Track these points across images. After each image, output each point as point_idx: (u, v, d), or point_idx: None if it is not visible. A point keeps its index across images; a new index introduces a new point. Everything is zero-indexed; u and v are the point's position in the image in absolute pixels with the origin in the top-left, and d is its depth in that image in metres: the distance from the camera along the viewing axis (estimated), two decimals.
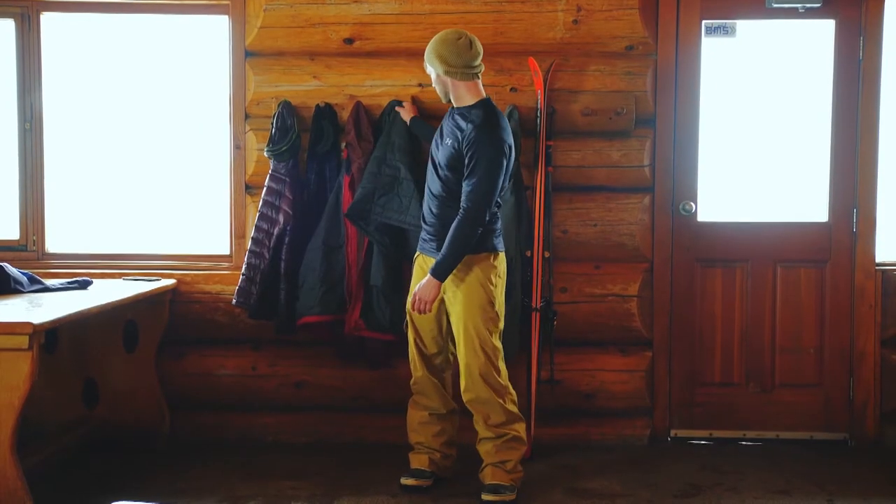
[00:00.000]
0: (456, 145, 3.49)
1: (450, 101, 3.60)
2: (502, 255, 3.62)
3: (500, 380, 3.56)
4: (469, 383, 3.56)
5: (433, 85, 3.62)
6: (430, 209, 3.61)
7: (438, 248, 3.52)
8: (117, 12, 4.39)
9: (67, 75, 4.46)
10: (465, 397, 3.59)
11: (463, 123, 3.51)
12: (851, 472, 3.98)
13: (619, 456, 4.16)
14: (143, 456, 4.08)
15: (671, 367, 4.35)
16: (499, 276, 3.58)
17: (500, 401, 3.56)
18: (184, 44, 4.45)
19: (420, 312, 3.52)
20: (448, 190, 3.54)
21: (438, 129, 3.67)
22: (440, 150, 3.58)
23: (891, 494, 3.70)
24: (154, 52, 4.46)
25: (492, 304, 3.55)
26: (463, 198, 3.47)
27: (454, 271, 3.50)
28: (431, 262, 3.54)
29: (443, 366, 3.73)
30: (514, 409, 3.60)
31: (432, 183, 3.61)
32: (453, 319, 3.58)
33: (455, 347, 3.66)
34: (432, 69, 3.57)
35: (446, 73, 3.52)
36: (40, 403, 3.83)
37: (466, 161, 3.46)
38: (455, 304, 3.55)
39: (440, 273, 3.47)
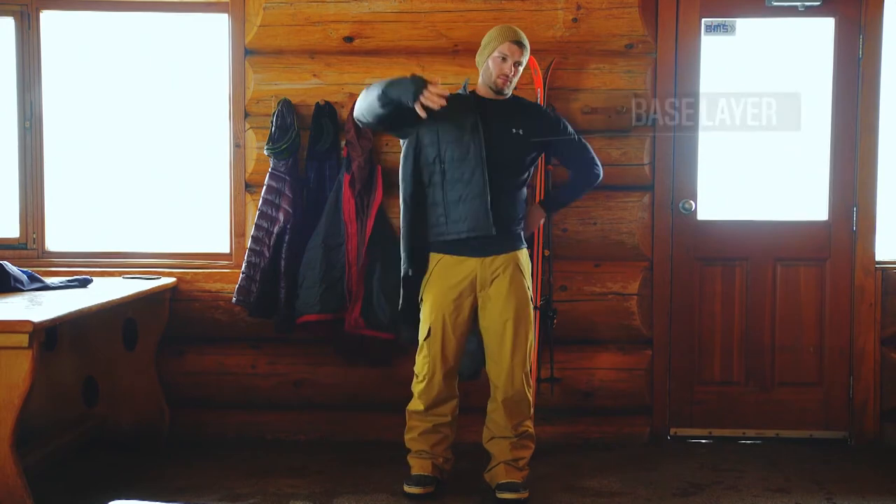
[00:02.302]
0: (533, 134, 3.60)
1: (501, 92, 3.60)
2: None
3: (531, 378, 3.59)
4: (510, 385, 3.52)
5: (517, 73, 3.60)
6: (500, 206, 3.53)
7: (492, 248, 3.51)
8: (117, 10, 4.40)
9: (67, 73, 4.46)
10: (503, 396, 3.54)
11: (532, 112, 3.70)
12: (851, 470, 3.98)
13: (619, 454, 4.16)
14: (143, 454, 4.08)
15: (671, 365, 4.35)
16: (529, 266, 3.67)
17: (531, 399, 3.58)
18: (183, 42, 4.45)
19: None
20: (521, 183, 3.62)
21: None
22: (507, 143, 3.54)
23: (890, 493, 3.70)
24: (154, 50, 4.46)
25: (532, 301, 3.60)
26: (585, 166, 3.81)
27: (496, 269, 3.51)
28: (471, 262, 3.51)
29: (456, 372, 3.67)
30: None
31: (504, 178, 3.53)
32: (496, 318, 3.50)
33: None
34: (525, 59, 3.61)
35: None
36: (40, 401, 3.84)
37: (561, 142, 3.70)
38: (499, 305, 3.49)
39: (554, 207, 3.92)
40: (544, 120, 3.72)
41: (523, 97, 3.82)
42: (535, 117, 3.69)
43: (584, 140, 3.84)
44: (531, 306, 3.59)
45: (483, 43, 3.63)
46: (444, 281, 3.55)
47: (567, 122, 3.82)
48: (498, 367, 3.54)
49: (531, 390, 3.59)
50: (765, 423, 4.36)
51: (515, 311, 3.51)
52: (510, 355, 3.50)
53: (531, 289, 3.62)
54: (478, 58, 3.66)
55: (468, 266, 3.52)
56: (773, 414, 4.36)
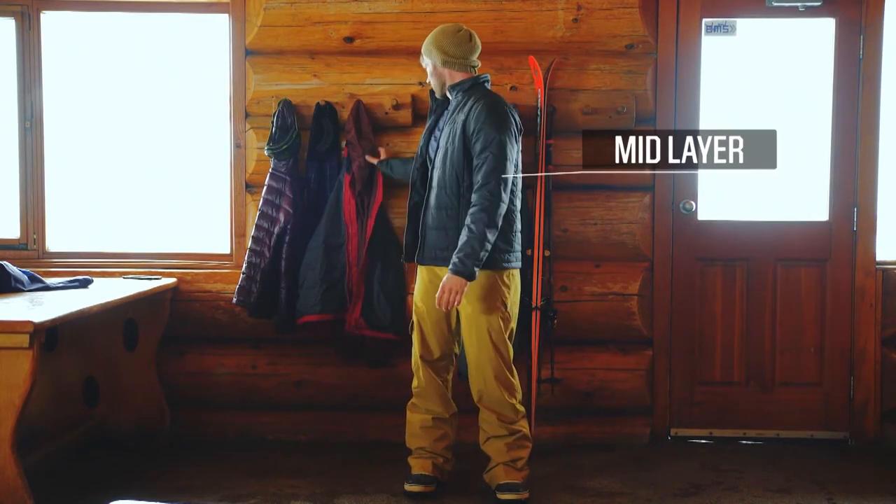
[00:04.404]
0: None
1: (444, 95, 3.57)
2: (515, 272, 3.56)
3: (511, 379, 3.55)
4: (482, 384, 3.52)
5: (429, 79, 3.62)
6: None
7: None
8: (117, 10, 4.40)
9: (68, 74, 4.46)
10: (477, 397, 3.56)
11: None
12: (852, 470, 3.98)
13: (620, 455, 4.16)
14: (144, 454, 4.08)
15: (671, 365, 4.35)
16: (512, 285, 3.54)
17: (512, 400, 3.54)
18: (184, 42, 4.45)
19: (448, 307, 3.36)
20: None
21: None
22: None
23: (891, 493, 3.70)
24: (154, 50, 4.46)
25: (504, 304, 3.51)
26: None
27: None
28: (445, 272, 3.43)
29: (447, 368, 3.67)
30: (521, 407, 3.59)
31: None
32: (464, 319, 3.53)
33: (458, 348, 3.66)
34: (430, 61, 3.55)
35: (444, 63, 3.51)
36: (41, 402, 3.83)
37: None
38: (467, 305, 3.49)
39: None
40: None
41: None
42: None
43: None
44: (501, 305, 3.50)
45: None
46: (424, 277, 3.61)
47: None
48: (471, 367, 3.56)
49: (508, 391, 3.52)
50: (765, 423, 4.36)
51: (479, 310, 3.47)
52: (476, 354, 3.51)
53: (501, 290, 3.49)
54: None
55: (443, 270, 3.48)
56: (774, 414, 4.36)
